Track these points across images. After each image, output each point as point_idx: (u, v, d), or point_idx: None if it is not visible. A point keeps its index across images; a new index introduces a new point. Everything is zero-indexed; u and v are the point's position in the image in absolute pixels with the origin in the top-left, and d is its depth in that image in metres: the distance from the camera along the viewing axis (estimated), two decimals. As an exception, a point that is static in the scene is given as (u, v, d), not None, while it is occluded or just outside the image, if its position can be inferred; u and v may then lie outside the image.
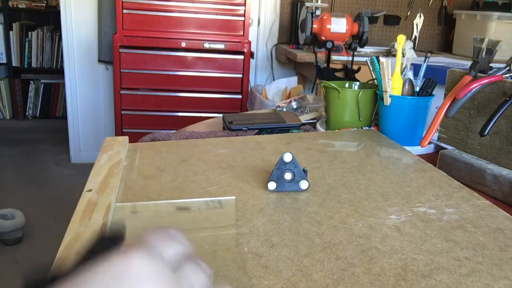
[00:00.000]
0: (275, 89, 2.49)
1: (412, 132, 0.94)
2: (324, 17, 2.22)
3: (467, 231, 0.57)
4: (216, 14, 2.59)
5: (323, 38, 2.21)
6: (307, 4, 2.33)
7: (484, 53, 0.80)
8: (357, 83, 1.11)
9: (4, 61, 3.96)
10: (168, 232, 0.29)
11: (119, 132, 2.67)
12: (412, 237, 0.55)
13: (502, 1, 2.83)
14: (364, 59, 1.09)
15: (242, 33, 2.63)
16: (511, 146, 0.74)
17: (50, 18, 4.12)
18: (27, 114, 4.14)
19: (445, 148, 0.87)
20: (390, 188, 0.69)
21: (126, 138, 0.84)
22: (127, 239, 0.27)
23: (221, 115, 1.15)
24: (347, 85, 1.10)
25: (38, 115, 4.16)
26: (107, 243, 0.26)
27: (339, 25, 2.19)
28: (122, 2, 2.49)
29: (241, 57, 2.64)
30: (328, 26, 2.19)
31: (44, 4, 3.94)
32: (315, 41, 2.28)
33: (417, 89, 0.97)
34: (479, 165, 0.77)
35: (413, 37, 2.67)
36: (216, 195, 0.64)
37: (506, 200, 0.72)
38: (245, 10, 2.59)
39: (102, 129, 3.12)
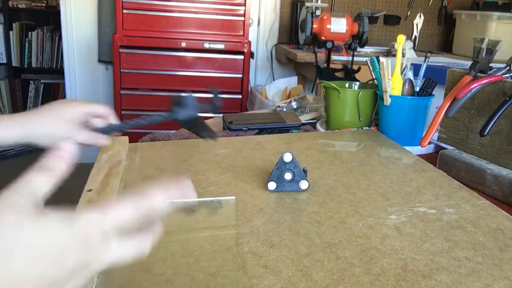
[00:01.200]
0: (275, 89, 2.49)
1: (412, 132, 0.94)
2: (324, 17, 2.22)
3: (467, 231, 0.57)
4: (216, 14, 2.59)
5: (323, 38, 2.21)
6: (307, 4, 2.32)
7: (484, 53, 0.80)
8: (357, 83, 1.11)
9: (4, 61, 3.96)
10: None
11: (119, 132, 2.67)
12: (412, 237, 0.55)
13: (502, 1, 2.83)
14: (364, 59, 1.09)
15: (242, 33, 2.63)
16: (511, 146, 0.74)
17: (50, 18, 4.12)
18: (27, 114, 4.13)
19: (445, 148, 0.87)
20: (390, 188, 0.69)
21: (126, 138, 0.84)
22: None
23: (221, 115, 1.15)
24: (347, 85, 1.10)
25: (38, 115, 4.15)
26: None
27: (339, 25, 2.19)
28: (122, 2, 2.48)
29: (241, 57, 2.64)
30: (328, 26, 2.19)
31: (44, 4, 3.94)
32: (315, 41, 2.28)
33: (417, 89, 0.97)
34: (479, 165, 0.77)
35: (413, 37, 2.67)
36: (216, 195, 0.64)
37: (506, 200, 0.72)
38: (245, 10, 2.59)
39: (102, 129, 3.12)
